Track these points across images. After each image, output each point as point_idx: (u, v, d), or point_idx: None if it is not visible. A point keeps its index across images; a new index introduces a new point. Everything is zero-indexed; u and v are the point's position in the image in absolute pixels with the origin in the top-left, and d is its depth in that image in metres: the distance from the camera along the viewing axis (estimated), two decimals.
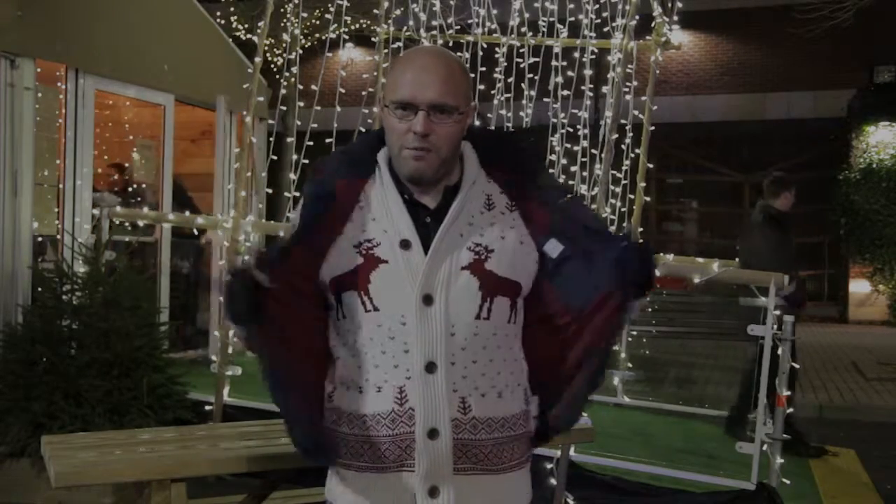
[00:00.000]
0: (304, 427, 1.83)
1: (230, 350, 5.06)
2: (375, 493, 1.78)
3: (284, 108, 6.46)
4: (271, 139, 6.14)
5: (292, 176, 6.00)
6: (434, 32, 6.59)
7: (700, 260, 5.56)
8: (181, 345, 7.26)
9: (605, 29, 6.42)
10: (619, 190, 5.96)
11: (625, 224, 1.98)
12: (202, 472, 2.87)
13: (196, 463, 2.81)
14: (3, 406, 4.68)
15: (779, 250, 5.88)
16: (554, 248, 1.85)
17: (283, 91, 5.96)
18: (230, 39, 8.65)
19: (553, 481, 3.97)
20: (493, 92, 6.58)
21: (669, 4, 6.18)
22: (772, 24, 15.85)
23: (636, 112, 5.84)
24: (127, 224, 6.86)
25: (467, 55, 6.60)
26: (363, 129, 5.29)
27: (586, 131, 6.25)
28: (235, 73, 7.60)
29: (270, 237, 6.26)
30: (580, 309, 1.83)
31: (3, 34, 5.52)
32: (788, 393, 4.55)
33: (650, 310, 9.36)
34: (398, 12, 6.78)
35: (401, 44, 6.53)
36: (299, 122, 6.48)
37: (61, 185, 6.22)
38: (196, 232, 7.69)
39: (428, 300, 1.74)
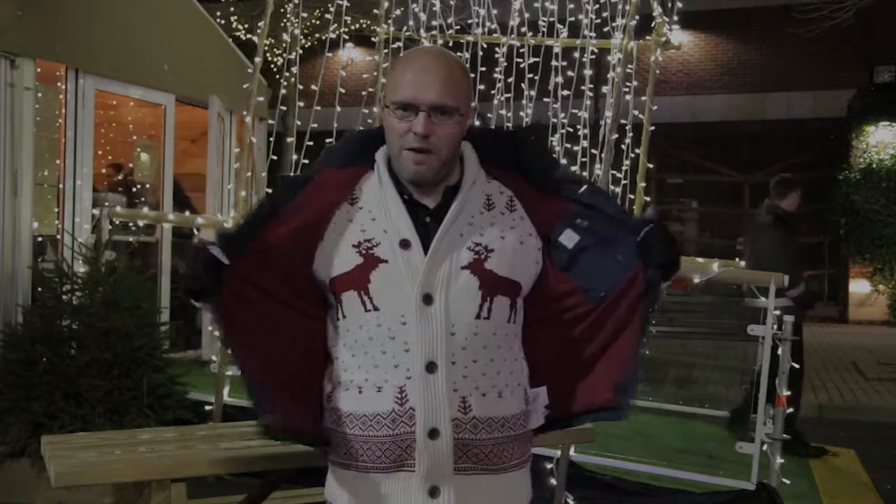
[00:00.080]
0: (259, 398, 1.82)
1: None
2: (375, 494, 1.77)
3: (284, 108, 6.46)
4: (271, 139, 6.14)
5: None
6: (434, 32, 6.59)
7: (700, 260, 5.56)
8: (181, 345, 7.26)
9: (605, 29, 6.41)
10: (619, 190, 5.95)
11: (648, 208, 1.97)
12: (202, 472, 2.87)
13: (196, 463, 2.81)
14: (3, 406, 4.68)
15: (787, 251, 5.89)
16: (570, 238, 1.86)
17: (283, 91, 5.95)
18: (230, 39, 8.65)
19: (553, 481, 3.98)
20: (493, 92, 6.57)
21: (669, 4, 6.18)
22: (772, 24, 15.85)
23: (636, 112, 5.84)
24: (132, 224, 6.87)
25: (467, 55, 6.59)
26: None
27: (586, 131, 6.24)
28: (235, 73, 7.60)
29: None
30: (603, 296, 1.84)
31: (3, 34, 5.52)
32: (788, 393, 4.55)
33: (650, 310, 9.34)
34: (398, 12, 6.78)
35: (401, 44, 6.53)
36: (299, 122, 6.48)
37: (61, 185, 6.22)
38: (196, 232, 7.69)
39: (428, 300, 1.74)
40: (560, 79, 6.42)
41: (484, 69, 6.32)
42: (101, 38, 6.48)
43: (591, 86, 6.43)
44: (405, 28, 6.71)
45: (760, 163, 16.94)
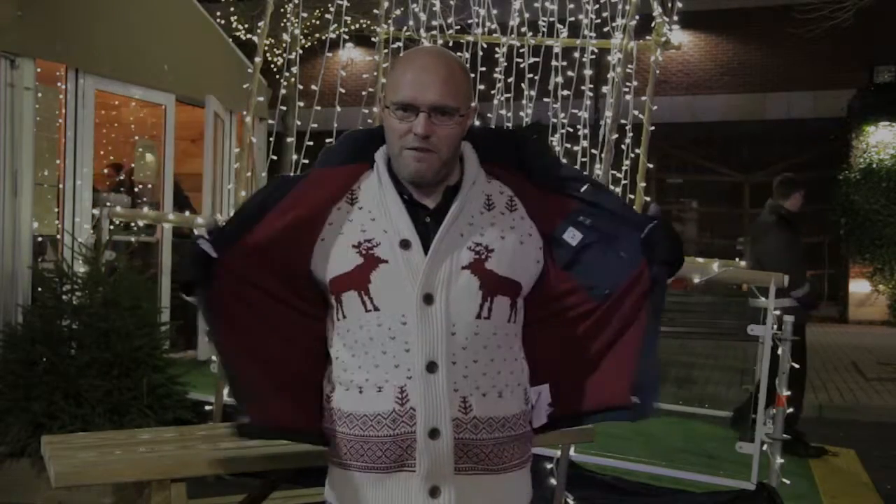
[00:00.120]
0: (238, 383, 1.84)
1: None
2: (376, 494, 1.77)
3: (284, 108, 6.46)
4: (271, 139, 6.14)
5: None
6: (434, 32, 6.59)
7: (700, 260, 5.56)
8: (181, 345, 7.26)
9: (605, 29, 6.41)
10: (619, 190, 5.95)
11: (651, 205, 1.96)
12: (202, 472, 2.87)
13: (196, 463, 2.81)
14: (3, 406, 4.68)
15: (791, 251, 5.89)
16: (573, 236, 1.86)
17: (283, 91, 5.95)
18: (230, 39, 8.65)
19: (553, 481, 3.98)
20: (493, 92, 6.58)
21: (669, 4, 6.18)
22: (772, 24, 15.85)
23: (636, 112, 5.84)
24: (133, 224, 6.87)
25: (467, 55, 6.59)
26: None
27: (586, 131, 6.24)
28: (235, 73, 7.60)
29: None
30: (607, 293, 1.84)
31: (3, 34, 5.52)
32: (788, 393, 4.55)
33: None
34: (398, 12, 6.78)
35: (401, 44, 6.53)
36: (299, 122, 6.48)
37: (61, 185, 6.22)
38: (196, 232, 7.69)
39: (428, 299, 1.74)
40: (560, 79, 6.43)
41: (484, 69, 6.32)
42: (101, 38, 6.48)
43: (591, 86, 6.43)
44: (405, 28, 6.72)
45: (760, 163, 16.94)
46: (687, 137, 16.85)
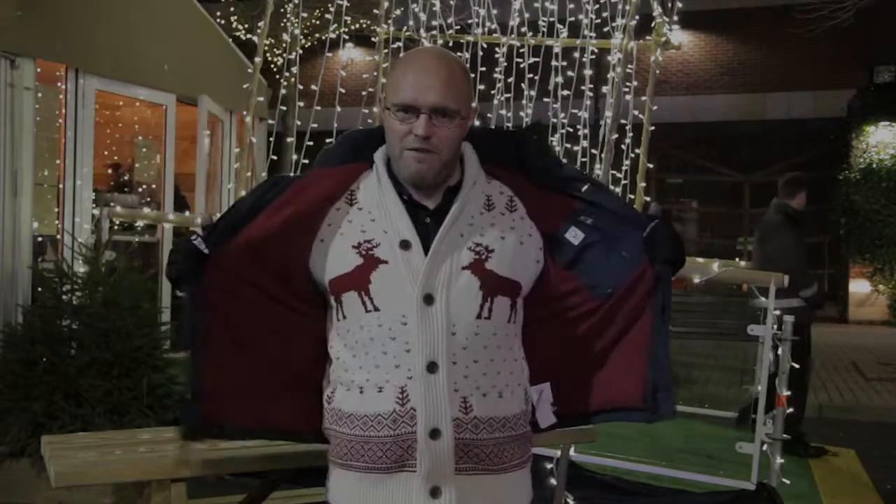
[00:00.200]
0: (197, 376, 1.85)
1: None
2: (376, 494, 1.77)
3: (284, 108, 6.47)
4: (271, 139, 6.15)
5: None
6: (434, 32, 6.59)
7: (700, 260, 5.57)
8: (182, 345, 7.26)
9: (605, 29, 6.42)
10: (619, 190, 5.96)
11: (652, 204, 1.96)
12: (202, 472, 2.86)
13: (196, 463, 2.80)
14: (3, 406, 4.67)
15: (799, 250, 5.88)
16: (575, 235, 1.86)
17: (283, 91, 5.96)
18: (230, 39, 8.65)
19: (553, 481, 3.97)
20: (493, 92, 6.58)
21: (669, 4, 6.19)
22: (772, 24, 15.85)
23: (636, 112, 5.85)
24: (136, 225, 6.87)
25: (467, 55, 6.60)
26: None
27: (586, 131, 6.25)
28: (235, 73, 7.60)
29: None
30: (610, 293, 1.85)
31: (3, 34, 5.52)
32: (788, 393, 4.55)
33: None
34: (398, 12, 6.79)
35: (401, 44, 6.54)
36: (299, 122, 6.49)
37: (61, 185, 6.22)
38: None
39: (429, 300, 1.74)
40: (560, 79, 6.43)
41: (484, 69, 6.33)
42: (101, 38, 6.48)
43: (591, 86, 6.44)
44: (405, 28, 6.72)
45: (760, 163, 16.95)
46: (687, 137, 16.85)
